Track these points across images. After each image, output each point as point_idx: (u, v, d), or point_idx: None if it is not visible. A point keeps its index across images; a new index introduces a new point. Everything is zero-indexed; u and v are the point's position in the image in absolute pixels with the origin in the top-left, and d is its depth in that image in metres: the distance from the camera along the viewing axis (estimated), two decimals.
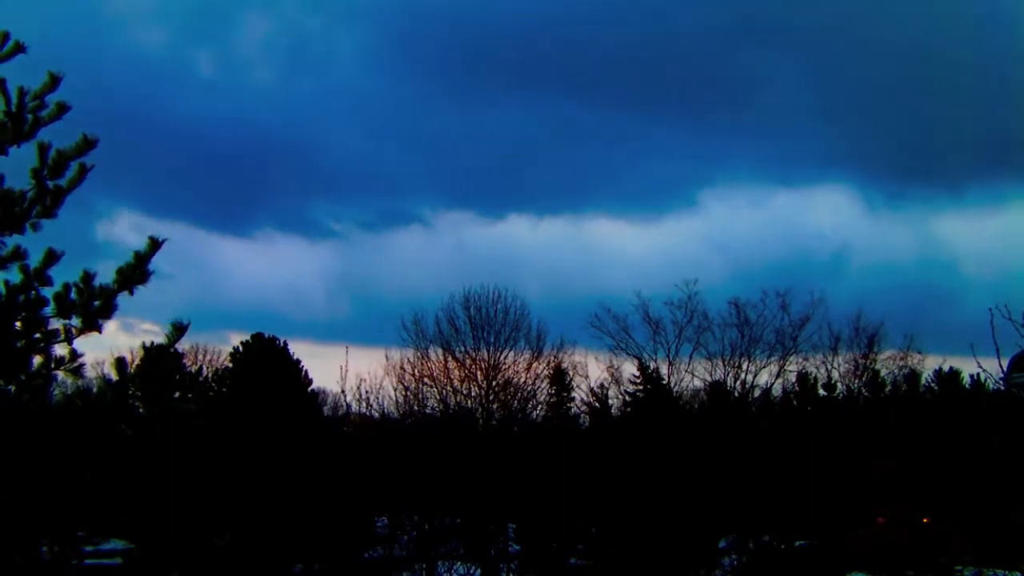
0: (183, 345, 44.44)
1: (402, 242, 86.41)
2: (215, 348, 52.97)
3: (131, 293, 8.38)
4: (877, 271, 71.11)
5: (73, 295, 8.14)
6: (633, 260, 77.74)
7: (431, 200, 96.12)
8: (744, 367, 42.22)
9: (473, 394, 42.53)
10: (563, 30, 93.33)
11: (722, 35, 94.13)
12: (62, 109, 8.02)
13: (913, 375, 45.99)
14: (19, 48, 7.91)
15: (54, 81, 7.95)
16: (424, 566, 39.48)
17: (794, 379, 44.08)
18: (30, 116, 7.93)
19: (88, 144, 8.08)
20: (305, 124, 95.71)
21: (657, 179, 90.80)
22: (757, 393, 43.42)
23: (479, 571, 39.45)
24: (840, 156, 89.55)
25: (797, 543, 40.67)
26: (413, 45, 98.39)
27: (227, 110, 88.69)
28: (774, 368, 42.62)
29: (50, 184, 8.03)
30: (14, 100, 7.85)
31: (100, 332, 8.39)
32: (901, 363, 44.33)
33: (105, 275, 8.25)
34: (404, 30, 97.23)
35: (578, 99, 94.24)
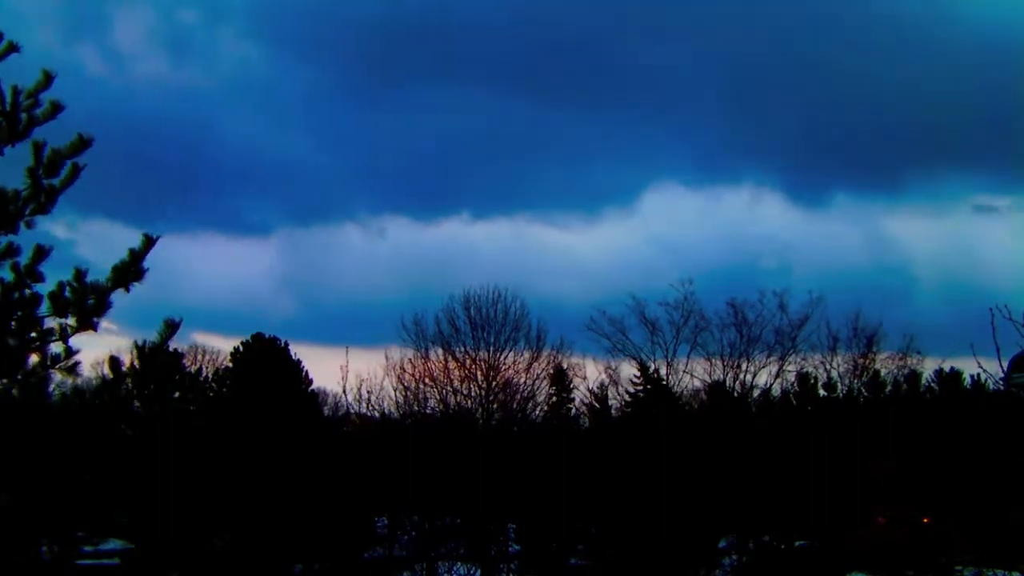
0: (182, 345, 44.51)
1: (332, 240, 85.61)
2: (214, 348, 52.95)
3: (127, 290, 8.38)
4: (812, 268, 69.70)
5: (68, 293, 8.13)
6: (565, 262, 76.21)
7: (360, 198, 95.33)
8: (743, 367, 42.23)
9: (473, 394, 42.56)
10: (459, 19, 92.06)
11: (629, 27, 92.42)
12: (56, 108, 8.02)
13: (913, 375, 45.97)
14: (12, 48, 7.91)
15: (48, 79, 7.96)
16: (424, 566, 39.49)
17: (793, 379, 44.09)
18: (24, 115, 7.93)
19: (83, 143, 8.08)
20: (224, 121, 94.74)
21: (576, 179, 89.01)
22: (756, 393, 43.44)
23: (479, 571, 39.45)
24: (755, 151, 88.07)
25: (797, 543, 40.65)
26: (321, 39, 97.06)
27: (137, 106, 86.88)
28: (773, 368, 42.63)
29: (45, 183, 8.03)
30: (8, 99, 7.85)
31: (96, 330, 8.40)
32: (900, 363, 44.32)
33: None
34: (310, 26, 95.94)
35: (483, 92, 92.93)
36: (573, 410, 46.22)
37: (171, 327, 8.27)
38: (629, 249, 78.47)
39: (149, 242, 8.28)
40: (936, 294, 69.37)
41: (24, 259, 7.89)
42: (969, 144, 77.20)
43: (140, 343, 35.78)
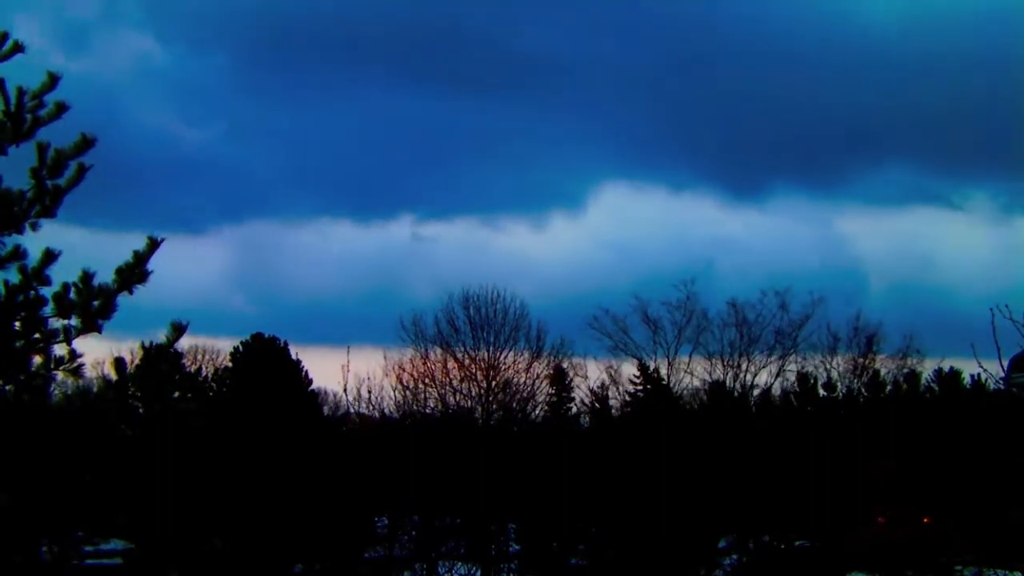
0: (182, 345, 44.51)
1: (264, 238, 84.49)
2: (214, 348, 52.84)
3: (131, 292, 8.37)
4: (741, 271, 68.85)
5: (72, 295, 8.12)
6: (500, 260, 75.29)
7: (289, 194, 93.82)
8: (743, 367, 42.29)
9: (473, 394, 42.57)
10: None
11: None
12: (61, 109, 8.00)
13: (913, 375, 46.01)
14: (18, 48, 7.90)
15: (53, 80, 7.95)
16: (424, 566, 39.52)
17: (794, 379, 44.15)
18: (29, 116, 7.92)
19: (87, 144, 8.06)
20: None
21: (509, 176, 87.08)
22: (757, 393, 43.48)
23: (479, 571, 39.47)
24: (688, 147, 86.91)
25: (797, 543, 40.68)
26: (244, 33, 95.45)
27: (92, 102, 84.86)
28: (773, 368, 42.71)
29: (49, 184, 8.02)
30: (13, 100, 7.83)
31: (100, 332, 8.39)
32: (900, 363, 44.38)
33: None
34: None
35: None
36: (573, 410, 46.24)
37: (178, 330, 8.26)
38: (577, 252, 77.13)
39: (153, 244, 8.26)
40: (882, 290, 68.87)
41: (32, 262, 7.89)
42: (909, 137, 77.28)
43: (148, 344, 35.87)
